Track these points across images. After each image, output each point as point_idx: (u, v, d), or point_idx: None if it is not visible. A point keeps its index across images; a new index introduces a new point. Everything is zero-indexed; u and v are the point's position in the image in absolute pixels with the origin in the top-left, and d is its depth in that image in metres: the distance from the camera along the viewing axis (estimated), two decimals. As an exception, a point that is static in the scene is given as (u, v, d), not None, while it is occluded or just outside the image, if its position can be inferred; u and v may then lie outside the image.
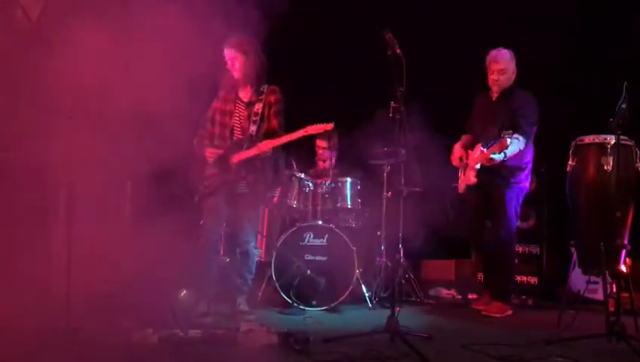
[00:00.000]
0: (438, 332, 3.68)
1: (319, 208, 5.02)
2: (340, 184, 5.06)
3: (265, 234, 5.40)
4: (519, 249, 5.50)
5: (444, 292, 5.50)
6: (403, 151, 3.92)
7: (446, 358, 3.22)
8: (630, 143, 3.73)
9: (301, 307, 4.55)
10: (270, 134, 4.09)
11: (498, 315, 4.48)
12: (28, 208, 3.45)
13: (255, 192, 4.17)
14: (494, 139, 4.24)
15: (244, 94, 4.19)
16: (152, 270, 3.92)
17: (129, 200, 4.69)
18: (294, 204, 4.99)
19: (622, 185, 3.53)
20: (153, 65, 3.36)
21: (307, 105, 5.03)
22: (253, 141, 4.07)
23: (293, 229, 4.78)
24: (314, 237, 4.75)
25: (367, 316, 4.44)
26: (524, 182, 4.62)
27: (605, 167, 3.68)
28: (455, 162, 4.77)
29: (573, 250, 4.13)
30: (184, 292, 4.41)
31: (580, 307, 3.84)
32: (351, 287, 4.59)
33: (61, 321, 3.05)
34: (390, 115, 3.57)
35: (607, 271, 3.60)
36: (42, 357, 2.84)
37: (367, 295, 4.73)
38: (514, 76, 4.63)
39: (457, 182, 4.82)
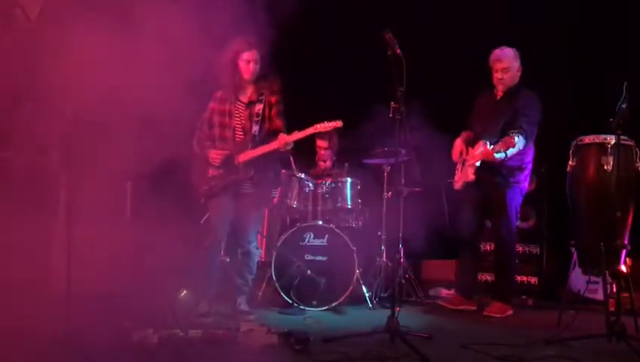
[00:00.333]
0: (438, 332, 3.68)
1: (319, 208, 5.02)
2: (340, 184, 5.06)
3: (265, 234, 5.40)
4: (519, 249, 5.50)
5: (444, 292, 5.49)
6: (403, 151, 3.92)
7: (446, 358, 3.22)
8: (630, 143, 3.72)
9: (301, 307, 4.55)
10: (277, 134, 4.09)
11: (498, 315, 4.48)
12: (28, 208, 3.45)
13: (260, 192, 4.18)
14: (501, 137, 4.24)
15: (244, 95, 4.18)
16: (152, 270, 3.92)
17: (129, 200, 4.69)
18: (294, 204, 4.99)
19: (622, 185, 3.53)
20: (154, 64, 3.35)
21: (307, 106, 5.04)
22: (256, 141, 4.07)
23: (294, 229, 4.78)
24: (314, 238, 4.75)
25: (367, 316, 4.44)
26: (524, 182, 4.61)
27: (605, 167, 3.67)
28: (455, 157, 4.74)
29: (573, 250, 4.13)
30: (184, 292, 4.41)
31: (580, 307, 3.84)
32: (351, 287, 4.59)
33: (61, 321, 3.05)
34: (390, 115, 3.57)
35: (607, 271, 3.59)
36: (42, 357, 2.83)
37: (367, 295, 4.73)
38: (519, 74, 4.62)
39: (453, 178, 4.79)
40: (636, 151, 3.73)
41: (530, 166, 4.63)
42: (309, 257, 4.70)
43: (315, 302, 4.58)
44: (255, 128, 4.09)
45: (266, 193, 4.35)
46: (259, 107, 4.12)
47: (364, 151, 5.29)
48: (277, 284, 4.63)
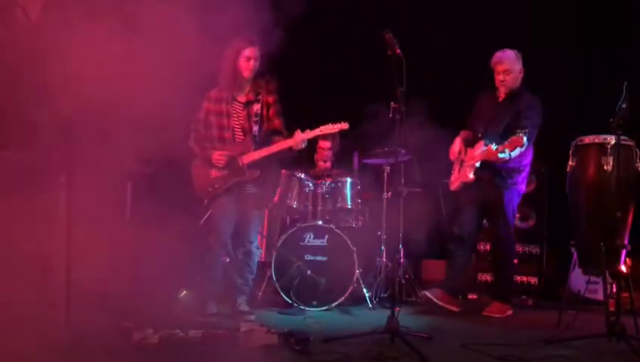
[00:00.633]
0: (438, 333, 3.68)
1: (319, 208, 5.02)
2: (339, 184, 5.06)
3: (265, 234, 5.40)
4: (519, 249, 5.50)
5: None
6: (403, 151, 3.92)
7: (446, 358, 3.22)
8: (630, 143, 3.72)
9: (301, 307, 4.55)
10: (277, 134, 4.09)
11: (498, 315, 4.48)
12: (27, 208, 3.45)
13: (263, 192, 4.18)
14: (502, 138, 4.23)
15: (241, 94, 4.15)
16: (152, 270, 3.92)
17: (129, 200, 4.69)
18: (294, 204, 4.99)
19: (622, 185, 3.53)
20: (154, 64, 3.35)
21: (307, 106, 5.04)
22: (256, 142, 4.07)
23: (294, 229, 4.78)
24: (314, 238, 4.75)
25: (367, 316, 4.44)
26: (522, 184, 4.62)
27: (605, 167, 3.67)
28: (453, 156, 4.74)
29: (573, 250, 4.13)
30: (184, 292, 4.42)
31: (580, 307, 3.85)
32: (351, 287, 4.59)
33: (61, 321, 3.04)
34: (390, 115, 3.57)
35: (607, 271, 3.60)
36: (42, 357, 2.83)
37: (367, 295, 4.73)
38: (521, 76, 4.62)
39: (449, 178, 4.78)
40: (636, 152, 3.74)
41: (528, 168, 4.64)
42: (309, 257, 4.70)
43: (315, 302, 4.58)
44: (255, 128, 4.09)
45: (268, 193, 4.35)
46: (257, 107, 4.11)
47: (364, 152, 5.29)
48: (277, 284, 4.63)
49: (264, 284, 4.95)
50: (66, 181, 3.21)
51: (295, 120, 4.14)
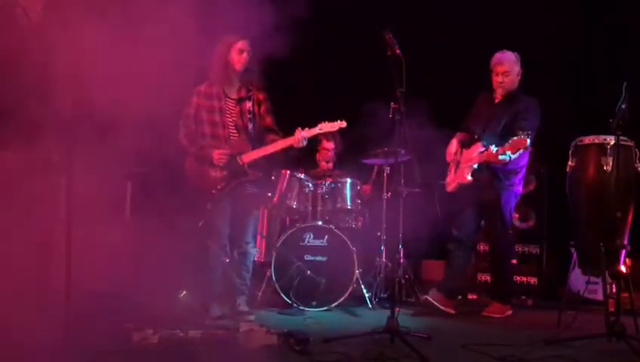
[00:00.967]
0: (438, 333, 3.68)
1: (319, 209, 5.02)
2: (339, 185, 5.06)
3: (265, 234, 5.40)
4: (519, 249, 5.50)
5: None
6: (402, 152, 3.93)
7: (446, 358, 3.22)
8: (630, 144, 3.73)
9: (301, 307, 4.55)
10: (270, 132, 4.08)
11: (498, 315, 4.48)
12: (27, 208, 3.45)
13: (262, 192, 4.16)
14: (500, 139, 4.23)
15: (232, 90, 4.11)
16: (152, 270, 3.92)
17: (129, 200, 4.69)
18: (294, 204, 4.98)
19: (622, 185, 3.54)
20: (155, 63, 3.35)
21: (306, 106, 5.04)
22: (252, 140, 4.05)
23: (293, 230, 4.78)
24: (314, 238, 4.75)
25: (367, 316, 4.44)
26: (518, 185, 4.62)
27: (605, 168, 3.67)
28: (449, 157, 4.74)
29: (573, 250, 4.13)
30: (184, 292, 4.42)
31: (580, 307, 3.85)
32: (351, 288, 4.59)
33: (61, 321, 3.04)
34: (390, 115, 3.57)
35: (607, 272, 3.60)
36: (42, 357, 2.83)
37: (367, 295, 4.73)
38: (519, 78, 4.62)
39: (444, 179, 4.77)
40: (636, 152, 3.74)
41: (524, 170, 4.65)
42: (308, 257, 4.70)
43: (314, 303, 4.58)
44: (250, 126, 4.07)
45: (267, 192, 4.34)
46: (249, 104, 4.07)
47: (364, 151, 5.30)
48: (277, 285, 4.63)
49: (264, 284, 4.95)
50: (66, 181, 3.21)
51: (295, 120, 4.13)
